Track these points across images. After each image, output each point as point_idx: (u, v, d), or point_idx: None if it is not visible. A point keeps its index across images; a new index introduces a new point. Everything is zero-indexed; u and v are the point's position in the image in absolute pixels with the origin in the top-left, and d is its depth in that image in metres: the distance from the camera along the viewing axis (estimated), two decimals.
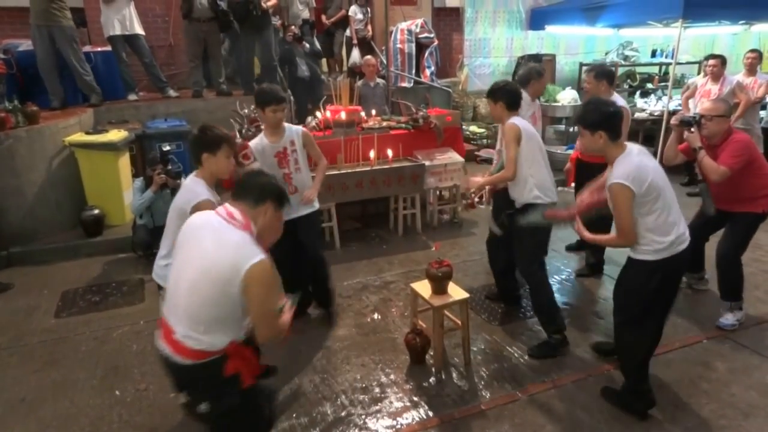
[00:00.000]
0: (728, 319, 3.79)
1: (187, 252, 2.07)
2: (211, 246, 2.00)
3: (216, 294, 1.96)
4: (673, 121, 3.66)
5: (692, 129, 3.52)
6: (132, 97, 6.80)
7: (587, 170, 4.16)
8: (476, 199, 3.85)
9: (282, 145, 3.64)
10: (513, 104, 3.54)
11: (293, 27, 7.62)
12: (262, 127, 3.75)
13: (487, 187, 3.92)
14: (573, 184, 4.76)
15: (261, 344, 2.04)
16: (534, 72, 4.47)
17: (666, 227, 2.68)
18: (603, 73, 4.35)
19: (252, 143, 3.63)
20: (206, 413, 2.06)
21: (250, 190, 2.10)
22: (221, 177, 2.82)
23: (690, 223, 3.76)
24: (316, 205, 3.82)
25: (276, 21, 7.70)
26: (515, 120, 3.50)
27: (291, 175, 3.67)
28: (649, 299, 2.79)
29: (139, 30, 6.66)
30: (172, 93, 6.92)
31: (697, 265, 4.23)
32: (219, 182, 2.88)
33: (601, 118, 2.70)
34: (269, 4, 6.81)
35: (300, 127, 3.78)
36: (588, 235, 2.96)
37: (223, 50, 7.70)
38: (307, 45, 7.74)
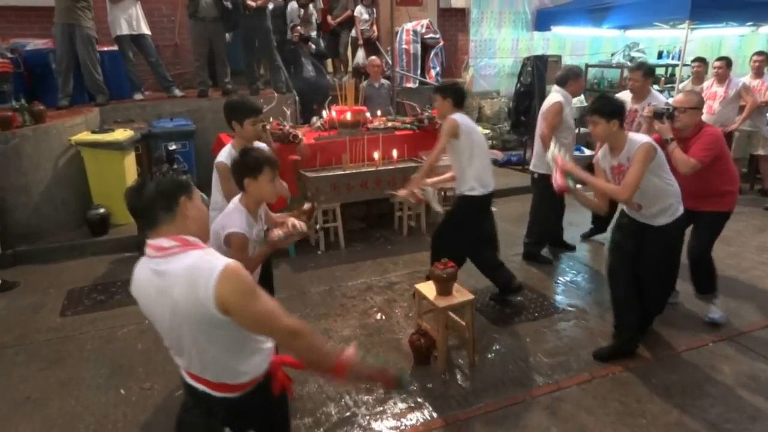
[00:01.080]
0: (716, 312, 3.87)
1: (157, 319, 1.74)
2: (169, 297, 1.62)
3: (213, 336, 1.63)
4: (646, 112, 3.74)
5: (663, 120, 3.52)
6: (138, 96, 6.83)
7: None
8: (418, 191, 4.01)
9: None
10: (459, 102, 3.92)
11: (299, 27, 7.62)
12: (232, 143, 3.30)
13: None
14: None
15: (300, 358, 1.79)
16: (571, 73, 4.71)
17: (676, 185, 3.26)
18: (651, 71, 4.60)
19: (223, 158, 3.20)
20: None
21: (148, 207, 1.66)
22: (267, 201, 2.66)
23: None
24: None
25: (295, 36, 7.70)
26: (456, 116, 3.81)
27: None
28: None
29: (145, 30, 6.68)
30: (177, 92, 6.94)
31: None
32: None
33: (615, 109, 3.13)
34: (259, 3, 6.81)
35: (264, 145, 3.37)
36: (584, 175, 3.22)
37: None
38: (313, 45, 7.74)
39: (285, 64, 7.39)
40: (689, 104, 3.44)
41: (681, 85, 7.55)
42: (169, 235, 1.66)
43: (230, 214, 2.51)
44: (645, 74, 4.51)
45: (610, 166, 3.24)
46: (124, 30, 6.50)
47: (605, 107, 3.12)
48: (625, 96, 4.76)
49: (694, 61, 7.13)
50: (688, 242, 3.75)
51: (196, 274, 1.56)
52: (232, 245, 2.45)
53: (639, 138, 3.12)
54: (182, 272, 1.59)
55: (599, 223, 5.43)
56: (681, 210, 3.27)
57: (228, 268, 1.56)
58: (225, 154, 3.24)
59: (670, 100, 6.04)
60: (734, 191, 3.67)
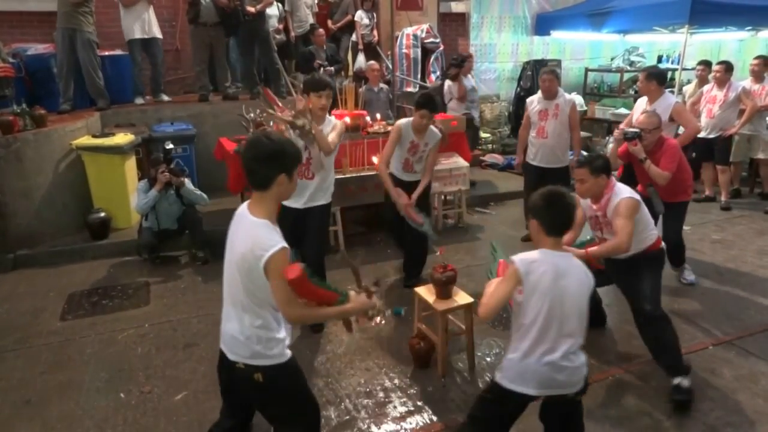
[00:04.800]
0: (689, 274, 4.62)
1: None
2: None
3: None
4: (617, 134, 4.26)
5: (634, 142, 3.95)
6: (139, 101, 6.86)
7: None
8: None
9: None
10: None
11: (322, 64, 7.53)
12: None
13: None
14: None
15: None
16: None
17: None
18: (655, 75, 4.77)
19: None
20: None
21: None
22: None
23: None
24: None
25: (277, 24, 7.75)
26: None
27: None
28: None
29: (157, 33, 6.75)
30: (164, 97, 7.01)
31: None
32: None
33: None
34: (258, 7, 6.84)
35: None
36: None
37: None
38: (332, 68, 7.71)
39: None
40: (653, 125, 3.97)
41: (685, 89, 7.56)
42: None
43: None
44: (648, 77, 4.72)
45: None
46: (137, 34, 6.56)
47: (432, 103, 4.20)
48: (641, 100, 5.02)
49: (699, 64, 7.15)
50: (663, 231, 4.28)
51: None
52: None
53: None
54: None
55: None
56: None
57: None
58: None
59: (679, 98, 6.18)
60: (692, 183, 4.39)
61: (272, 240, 2.00)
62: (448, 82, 7.21)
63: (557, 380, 2.19)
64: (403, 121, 4.37)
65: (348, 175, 5.29)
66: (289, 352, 2.18)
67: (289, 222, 3.58)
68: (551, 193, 2.27)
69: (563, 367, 2.17)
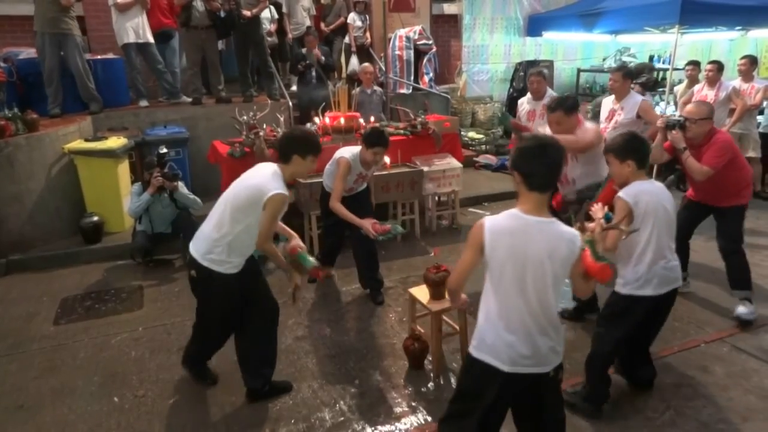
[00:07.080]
0: (746, 309, 3.86)
1: None
2: None
3: None
4: (660, 123, 3.90)
5: (675, 131, 3.70)
6: (143, 103, 6.85)
7: None
8: None
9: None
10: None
11: (307, 64, 7.51)
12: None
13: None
14: None
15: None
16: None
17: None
18: (631, 73, 4.91)
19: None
20: None
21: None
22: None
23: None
24: None
25: (268, 26, 7.75)
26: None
27: None
28: None
29: (150, 38, 6.72)
30: (185, 99, 6.95)
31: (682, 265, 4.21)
32: None
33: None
34: (254, 11, 6.84)
35: None
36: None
37: None
38: (323, 58, 7.72)
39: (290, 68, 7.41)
40: (700, 115, 3.63)
41: (676, 89, 7.62)
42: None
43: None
44: (624, 75, 4.75)
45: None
46: (131, 38, 6.53)
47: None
48: (607, 98, 5.03)
49: (688, 64, 7.23)
50: (717, 241, 3.96)
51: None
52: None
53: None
54: None
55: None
56: None
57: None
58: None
59: (648, 97, 6.15)
60: (750, 185, 3.92)
61: (570, 228, 2.20)
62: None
63: (670, 277, 2.88)
64: (348, 155, 4.12)
65: None
66: None
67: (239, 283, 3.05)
68: (631, 137, 2.92)
69: (673, 267, 2.88)
